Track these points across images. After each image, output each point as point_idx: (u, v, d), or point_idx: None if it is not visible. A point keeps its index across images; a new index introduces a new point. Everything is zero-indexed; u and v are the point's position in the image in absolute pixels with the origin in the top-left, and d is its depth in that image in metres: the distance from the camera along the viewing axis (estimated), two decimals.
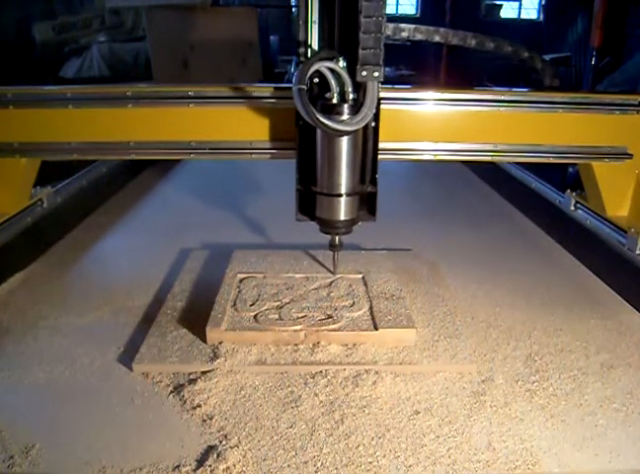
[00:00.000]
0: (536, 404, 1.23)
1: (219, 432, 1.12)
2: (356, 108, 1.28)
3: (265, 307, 1.47)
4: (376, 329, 1.39)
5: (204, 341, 1.38)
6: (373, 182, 1.48)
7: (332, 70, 1.26)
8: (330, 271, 1.65)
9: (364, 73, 1.25)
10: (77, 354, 1.39)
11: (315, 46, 1.32)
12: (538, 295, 1.74)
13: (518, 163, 2.58)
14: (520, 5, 12.17)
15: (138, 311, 1.60)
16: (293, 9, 10.93)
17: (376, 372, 1.28)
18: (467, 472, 1.03)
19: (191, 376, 1.28)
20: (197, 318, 1.47)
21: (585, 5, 7.24)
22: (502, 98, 1.67)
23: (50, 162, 1.85)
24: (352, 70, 1.27)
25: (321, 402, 1.21)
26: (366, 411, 1.18)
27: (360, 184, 1.45)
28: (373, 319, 1.43)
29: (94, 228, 2.28)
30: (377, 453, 1.07)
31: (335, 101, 1.30)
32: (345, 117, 1.28)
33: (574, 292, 1.77)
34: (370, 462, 1.04)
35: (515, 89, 1.75)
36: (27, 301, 1.65)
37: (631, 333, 1.53)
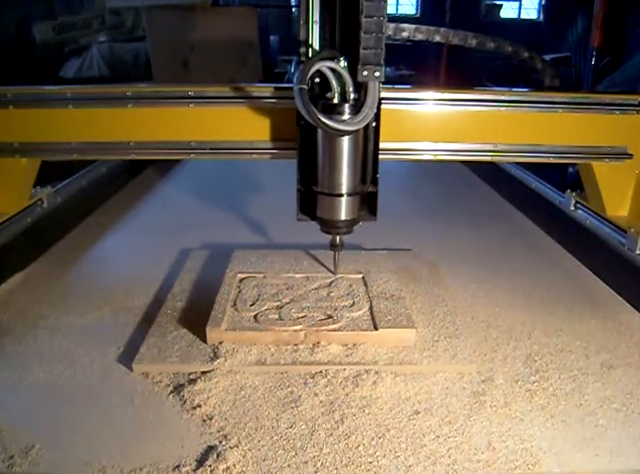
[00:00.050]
0: (536, 404, 1.23)
1: (219, 432, 1.12)
2: (357, 107, 1.28)
3: (265, 307, 1.47)
4: (376, 329, 1.39)
5: (204, 341, 1.38)
6: (374, 181, 1.48)
7: (333, 70, 1.26)
8: (330, 270, 1.65)
9: (366, 73, 1.25)
10: (77, 354, 1.39)
11: (316, 46, 1.32)
12: (538, 295, 1.74)
13: (517, 163, 2.58)
14: (520, 5, 12.18)
15: (138, 311, 1.60)
16: (293, 9, 10.95)
17: (376, 372, 1.28)
18: (467, 472, 1.03)
19: (191, 376, 1.28)
20: (197, 318, 1.47)
21: (585, 5, 7.24)
22: (502, 98, 1.67)
23: (50, 162, 1.85)
24: (353, 70, 1.27)
25: (321, 402, 1.21)
26: (366, 411, 1.18)
27: (360, 184, 1.45)
28: (373, 319, 1.43)
29: (94, 228, 2.28)
30: (377, 453, 1.07)
31: (336, 101, 1.30)
32: (346, 116, 1.28)
33: (574, 292, 1.77)
34: (370, 462, 1.04)
35: (515, 89, 1.75)
36: (27, 301, 1.65)
37: (631, 333, 1.53)
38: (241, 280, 1.62)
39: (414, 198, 2.75)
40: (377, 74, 1.25)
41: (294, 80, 1.23)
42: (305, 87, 1.22)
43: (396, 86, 1.66)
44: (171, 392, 1.24)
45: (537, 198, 2.36)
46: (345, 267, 1.66)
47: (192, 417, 1.16)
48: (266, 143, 1.65)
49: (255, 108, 1.62)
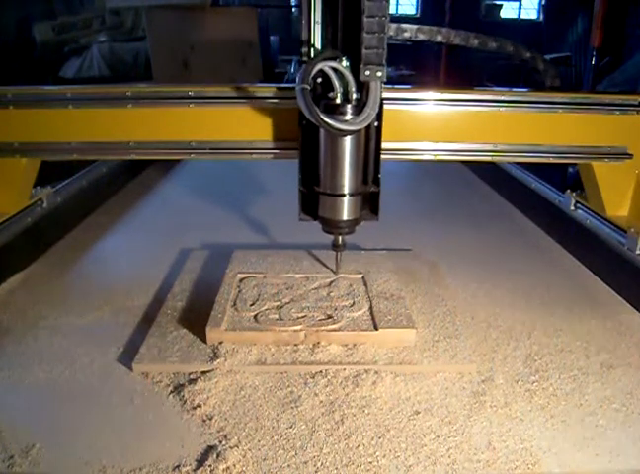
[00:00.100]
0: (536, 404, 1.23)
1: (219, 432, 1.12)
2: (359, 107, 1.28)
3: (265, 307, 1.47)
4: (376, 329, 1.39)
5: (204, 341, 1.38)
6: (376, 181, 1.48)
7: (335, 70, 1.26)
8: (332, 270, 1.66)
9: (368, 73, 1.25)
10: (77, 354, 1.39)
11: (318, 46, 1.32)
12: (538, 295, 1.74)
13: (518, 163, 2.58)
14: (520, 5, 12.18)
15: (138, 311, 1.60)
16: (293, 9, 10.95)
17: (376, 372, 1.28)
18: (467, 472, 1.03)
19: (191, 376, 1.28)
20: (197, 318, 1.47)
21: (585, 5, 7.24)
22: (502, 98, 1.67)
23: (50, 162, 1.85)
24: (355, 70, 1.27)
25: (321, 402, 1.21)
26: (366, 411, 1.18)
27: (362, 184, 1.45)
28: (373, 319, 1.43)
29: (94, 228, 2.28)
30: (377, 453, 1.07)
31: (338, 100, 1.30)
32: (348, 116, 1.28)
33: (574, 292, 1.77)
34: (370, 462, 1.04)
35: (515, 89, 1.75)
36: (27, 301, 1.65)
37: (631, 333, 1.53)
38: (241, 280, 1.62)
39: (414, 198, 2.75)
40: (379, 74, 1.25)
41: (297, 80, 1.23)
42: (308, 87, 1.22)
43: (396, 86, 1.66)
44: (171, 392, 1.24)
45: (537, 198, 2.36)
46: (345, 267, 1.66)
47: (192, 417, 1.16)
48: (266, 143, 1.65)
49: (255, 108, 1.62)
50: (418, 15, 12.31)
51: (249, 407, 1.19)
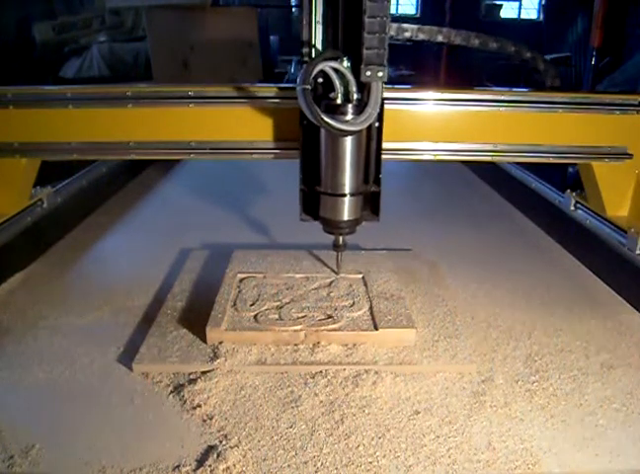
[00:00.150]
0: (536, 404, 1.23)
1: (219, 432, 1.12)
2: (360, 108, 1.28)
3: (265, 307, 1.47)
4: (376, 329, 1.39)
5: (204, 341, 1.38)
6: (377, 181, 1.48)
7: (336, 70, 1.26)
8: (333, 270, 1.66)
9: (369, 73, 1.25)
10: (77, 354, 1.39)
11: (319, 46, 1.32)
12: (538, 295, 1.74)
13: (518, 163, 2.58)
14: (520, 5, 12.19)
15: (138, 311, 1.60)
16: (293, 9, 10.95)
17: (376, 372, 1.28)
18: (467, 472, 1.03)
19: (191, 376, 1.28)
20: (197, 318, 1.47)
21: (585, 5, 7.24)
22: (502, 98, 1.67)
23: (50, 162, 1.85)
24: (356, 70, 1.27)
25: (321, 402, 1.21)
26: (366, 411, 1.18)
27: (363, 184, 1.45)
28: (373, 319, 1.43)
29: (94, 228, 2.28)
30: (377, 453, 1.07)
31: (339, 101, 1.30)
32: (349, 116, 1.28)
33: (574, 292, 1.77)
34: (370, 462, 1.04)
35: (515, 89, 1.75)
36: (27, 301, 1.65)
37: (631, 333, 1.53)
38: (241, 280, 1.62)
39: (414, 198, 2.75)
40: (380, 74, 1.25)
41: (298, 80, 1.23)
42: (309, 87, 1.22)
43: (396, 86, 1.66)
44: (171, 392, 1.24)
45: (537, 198, 2.36)
46: (345, 267, 1.66)
47: (192, 417, 1.16)
48: (266, 143, 1.65)
49: (255, 107, 1.62)
50: (418, 15, 12.32)
51: (249, 407, 1.19)
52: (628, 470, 1.06)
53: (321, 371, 1.29)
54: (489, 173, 2.97)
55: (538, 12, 12.04)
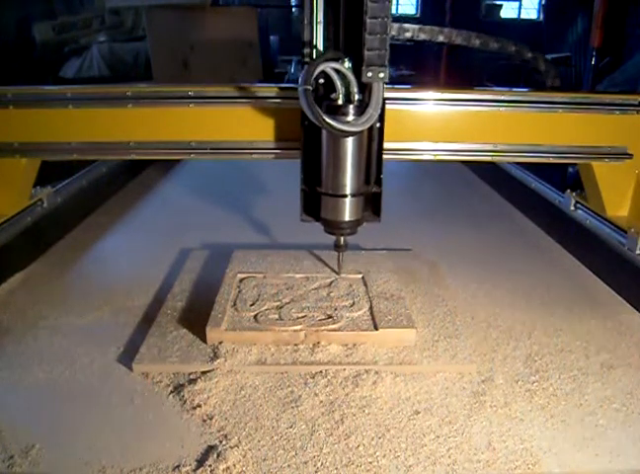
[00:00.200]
0: (536, 404, 1.23)
1: (219, 432, 1.12)
2: (361, 108, 1.28)
3: (265, 307, 1.47)
4: (376, 329, 1.39)
5: (204, 341, 1.38)
6: (378, 182, 1.48)
7: (337, 71, 1.26)
8: (333, 270, 1.66)
9: (370, 74, 1.25)
10: (77, 354, 1.39)
11: (320, 47, 1.32)
12: (538, 295, 1.74)
13: (518, 163, 2.58)
14: (520, 5, 12.18)
15: (138, 311, 1.60)
16: (293, 9, 10.95)
17: (376, 372, 1.28)
18: (467, 472, 1.03)
19: (191, 376, 1.28)
20: (197, 318, 1.47)
21: (585, 5, 7.24)
22: (502, 98, 1.67)
23: (50, 162, 1.85)
24: (357, 71, 1.26)
25: (321, 402, 1.21)
26: (366, 411, 1.18)
27: (364, 184, 1.45)
28: (373, 319, 1.43)
29: (94, 228, 2.28)
30: (377, 453, 1.07)
31: (340, 102, 1.30)
32: (350, 117, 1.28)
33: (574, 292, 1.77)
34: (370, 462, 1.04)
35: (515, 89, 1.75)
36: (27, 301, 1.65)
37: (631, 333, 1.53)
38: (241, 280, 1.62)
39: (414, 198, 2.75)
40: (382, 75, 1.25)
41: (299, 81, 1.23)
42: (310, 88, 1.22)
43: (396, 86, 1.66)
44: (171, 392, 1.24)
45: (537, 198, 2.36)
46: (345, 267, 1.66)
47: (192, 417, 1.16)
48: (266, 143, 1.65)
49: (255, 107, 1.62)
50: (418, 15, 12.31)
51: (249, 407, 1.19)
52: (628, 470, 1.06)
53: (321, 371, 1.29)
54: (489, 173, 2.97)
55: (538, 12, 12.04)
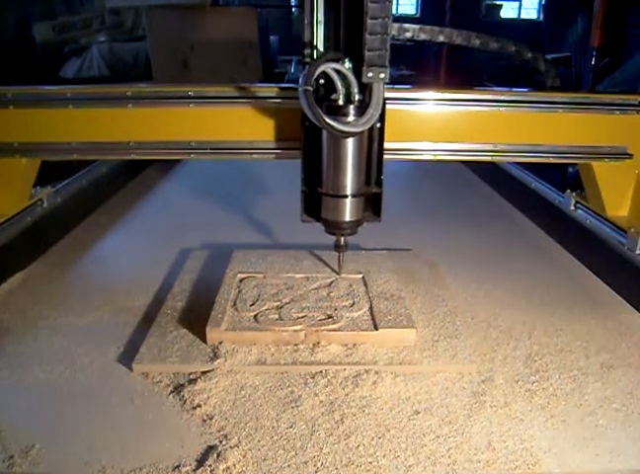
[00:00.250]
0: (536, 404, 1.23)
1: (219, 432, 1.12)
2: (361, 109, 1.28)
3: (265, 307, 1.47)
4: (376, 329, 1.39)
5: (204, 341, 1.38)
6: (378, 183, 1.48)
7: (338, 71, 1.26)
8: (333, 270, 1.66)
9: (370, 74, 1.25)
10: (77, 354, 1.39)
11: (320, 48, 1.31)
12: (538, 295, 1.74)
13: (518, 163, 2.58)
14: (520, 5, 12.18)
15: (138, 311, 1.60)
16: (293, 9, 10.94)
17: (376, 372, 1.28)
18: (467, 472, 1.03)
19: (191, 376, 1.28)
20: (197, 318, 1.47)
21: (585, 5, 7.23)
22: (502, 98, 1.67)
23: (50, 162, 1.85)
24: (357, 71, 1.26)
25: (321, 402, 1.21)
26: (366, 411, 1.18)
27: (365, 185, 1.45)
28: (373, 319, 1.43)
29: (94, 228, 2.28)
30: (377, 453, 1.07)
31: (341, 102, 1.29)
32: (351, 118, 1.28)
33: (574, 292, 1.77)
34: (370, 462, 1.04)
35: (515, 89, 1.74)
36: (27, 301, 1.65)
37: (631, 333, 1.53)
38: (241, 280, 1.62)
39: (414, 198, 2.75)
40: (382, 76, 1.25)
41: (300, 81, 1.23)
42: (310, 88, 1.21)
43: (396, 86, 1.66)
44: (171, 392, 1.24)
45: (537, 198, 2.36)
46: (345, 267, 1.66)
47: (192, 417, 1.16)
48: (266, 143, 1.65)
49: (255, 108, 1.62)
50: (418, 15, 12.31)
51: (249, 407, 1.19)
52: (628, 470, 1.06)
53: (321, 371, 1.29)
54: (489, 173, 2.97)
55: (538, 12, 12.04)
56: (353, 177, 1.39)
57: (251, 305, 1.48)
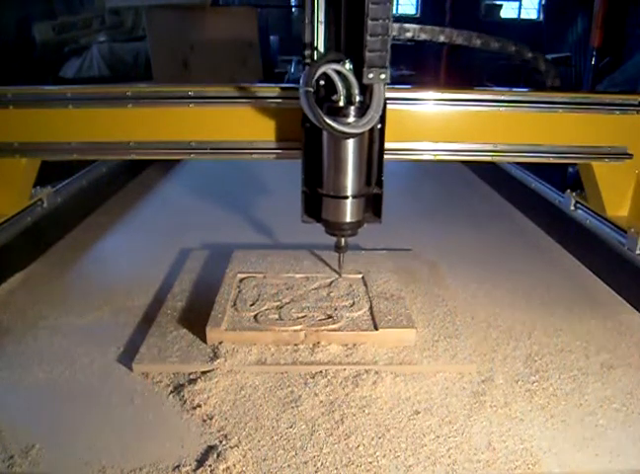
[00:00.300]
0: (536, 404, 1.23)
1: (219, 432, 1.12)
2: (362, 110, 1.28)
3: (265, 307, 1.47)
4: (376, 329, 1.39)
5: (204, 341, 1.38)
6: (379, 183, 1.48)
7: (338, 72, 1.26)
8: (334, 270, 1.66)
9: (371, 75, 1.25)
10: (77, 354, 1.39)
11: (321, 49, 1.31)
12: (538, 295, 1.74)
13: (518, 163, 2.58)
14: (520, 5, 12.18)
15: (138, 311, 1.60)
16: (293, 9, 10.94)
17: (376, 372, 1.28)
18: (467, 472, 1.03)
19: (191, 376, 1.28)
20: (197, 318, 1.47)
21: (585, 5, 7.24)
22: (502, 98, 1.67)
23: (50, 162, 1.85)
24: (358, 72, 1.26)
25: (321, 402, 1.21)
26: (366, 411, 1.18)
27: (365, 186, 1.45)
28: (373, 319, 1.43)
29: (94, 228, 2.28)
30: (377, 453, 1.07)
31: (341, 103, 1.29)
32: (351, 119, 1.28)
33: (574, 292, 1.77)
34: (370, 462, 1.04)
35: (515, 89, 1.74)
36: (27, 301, 1.65)
37: (631, 333, 1.53)
38: (241, 280, 1.62)
39: (414, 198, 2.75)
40: (383, 76, 1.25)
41: (300, 82, 1.23)
42: (311, 89, 1.21)
43: (396, 86, 1.66)
44: (171, 392, 1.24)
45: (537, 198, 2.36)
46: (345, 267, 1.65)
47: (192, 417, 1.16)
48: (266, 143, 1.65)
49: (255, 107, 1.62)
50: (418, 15, 12.31)
51: (249, 407, 1.19)
52: (628, 470, 1.06)
53: (321, 371, 1.29)
54: (489, 173, 2.97)
55: (538, 12, 12.04)
56: (353, 178, 1.39)
57: (251, 305, 1.48)
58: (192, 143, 1.67)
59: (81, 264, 1.96)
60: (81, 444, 1.09)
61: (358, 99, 1.29)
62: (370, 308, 1.48)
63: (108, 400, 1.22)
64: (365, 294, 1.55)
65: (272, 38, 7.42)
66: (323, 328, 1.39)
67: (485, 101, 1.67)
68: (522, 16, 12.26)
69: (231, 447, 1.07)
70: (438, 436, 1.11)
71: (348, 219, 1.44)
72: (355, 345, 1.37)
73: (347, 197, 1.41)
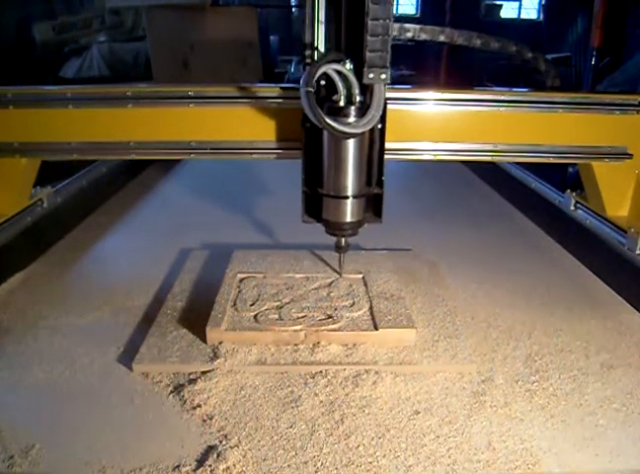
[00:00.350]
0: (536, 404, 1.23)
1: (219, 432, 1.12)
2: (362, 110, 1.28)
3: (265, 307, 1.47)
4: (376, 329, 1.39)
5: (204, 341, 1.38)
6: (379, 183, 1.48)
7: (339, 72, 1.26)
8: (334, 270, 1.66)
9: (371, 75, 1.25)
10: (77, 354, 1.39)
11: (321, 49, 1.31)
12: (538, 295, 1.74)
13: (518, 163, 2.58)
14: (520, 5, 12.18)
15: (138, 311, 1.60)
16: (293, 9, 10.94)
17: (376, 372, 1.28)
18: (467, 472, 1.03)
19: (191, 376, 1.28)
20: (197, 318, 1.47)
21: (585, 5, 7.24)
22: (502, 98, 1.67)
23: (50, 162, 1.85)
24: (358, 72, 1.26)
25: (321, 402, 1.21)
26: (366, 411, 1.18)
27: (366, 186, 1.45)
28: (373, 319, 1.43)
29: (94, 228, 2.28)
30: (377, 453, 1.07)
31: (342, 103, 1.29)
32: (352, 119, 1.28)
33: (574, 292, 1.77)
34: (370, 462, 1.04)
35: (515, 89, 1.74)
36: (27, 301, 1.65)
37: (631, 333, 1.53)
38: (241, 280, 1.62)
39: (414, 198, 2.75)
40: (383, 76, 1.25)
41: (301, 82, 1.23)
42: (312, 89, 1.21)
43: (396, 86, 1.66)
44: (171, 392, 1.24)
45: (537, 198, 2.36)
46: (345, 267, 1.66)
47: (192, 417, 1.16)
48: (266, 143, 1.65)
49: (255, 107, 1.62)
50: (418, 15, 12.30)
51: (249, 407, 1.19)
52: (628, 470, 1.06)
53: (321, 371, 1.29)
54: (489, 173, 2.97)
55: (538, 12, 12.03)
56: (353, 178, 1.39)
57: (251, 305, 1.48)
58: (192, 143, 1.67)
59: (81, 264, 1.96)
60: (81, 444, 1.09)
61: (358, 99, 1.29)
62: (370, 308, 1.48)
63: (108, 400, 1.22)
64: (365, 294, 1.55)
65: (272, 38, 7.43)
66: (323, 328, 1.39)
67: (485, 101, 1.67)
68: (522, 16, 12.26)
69: (231, 447, 1.07)
70: (438, 436, 1.11)
71: (348, 219, 1.44)
72: (355, 345, 1.37)
73: (347, 197, 1.41)
